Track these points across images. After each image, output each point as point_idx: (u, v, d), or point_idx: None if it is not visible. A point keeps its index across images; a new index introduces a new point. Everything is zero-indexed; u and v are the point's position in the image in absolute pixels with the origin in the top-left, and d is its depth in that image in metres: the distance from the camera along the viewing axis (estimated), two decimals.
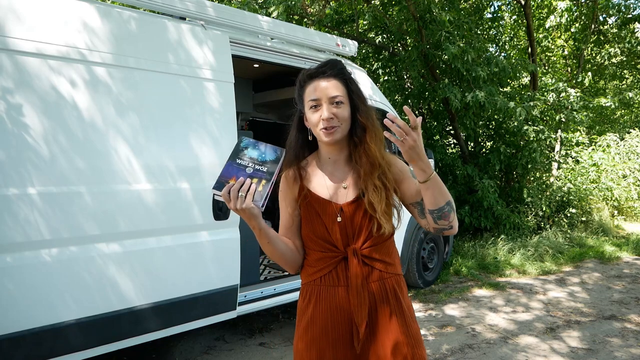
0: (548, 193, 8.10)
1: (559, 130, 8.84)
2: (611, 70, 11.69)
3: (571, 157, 10.19)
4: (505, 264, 6.15)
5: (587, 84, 10.28)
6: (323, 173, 1.46)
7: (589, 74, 10.10)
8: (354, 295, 1.36)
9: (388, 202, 1.41)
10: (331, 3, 8.26)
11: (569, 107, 7.53)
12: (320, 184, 1.44)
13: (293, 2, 6.49)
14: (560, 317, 4.25)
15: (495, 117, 7.94)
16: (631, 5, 9.13)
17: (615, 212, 9.84)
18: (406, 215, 5.46)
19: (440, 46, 6.59)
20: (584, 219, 8.34)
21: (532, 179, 8.49)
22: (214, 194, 1.26)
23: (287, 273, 4.04)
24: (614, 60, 10.67)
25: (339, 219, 1.40)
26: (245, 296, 3.44)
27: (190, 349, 3.59)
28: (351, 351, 1.38)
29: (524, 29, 9.96)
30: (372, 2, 7.40)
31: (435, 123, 8.62)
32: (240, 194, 1.21)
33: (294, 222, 1.47)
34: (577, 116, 7.59)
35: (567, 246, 7.07)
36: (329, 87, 1.37)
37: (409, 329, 1.41)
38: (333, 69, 1.41)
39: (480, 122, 8.12)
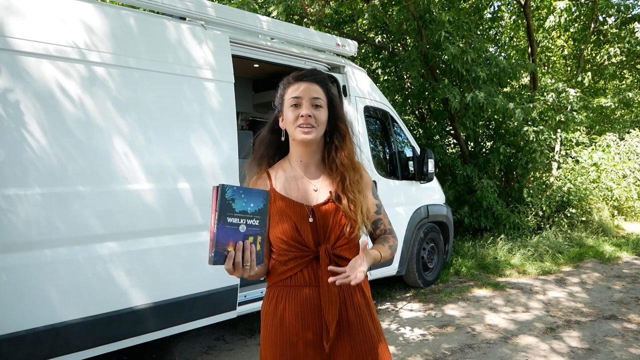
0: (548, 193, 8.10)
1: (559, 130, 8.84)
2: (611, 70, 11.68)
3: (571, 157, 10.19)
4: (505, 264, 6.15)
5: (586, 84, 10.27)
6: (294, 176, 1.47)
7: (589, 74, 10.10)
8: (324, 294, 1.37)
9: (365, 206, 1.46)
10: (331, 3, 8.25)
11: (569, 107, 7.53)
12: (291, 186, 1.46)
13: (293, 2, 6.49)
14: (560, 317, 4.25)
15: (495, 117, 7.94)
16: (630, 5, 9.13)
17: (615, 212, 9.84)
18: (406, 214, 5.38)
19: (440, 46, 6.59)
20: (583, 219, 8.34)
21: (532, 178, 8.49)
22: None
23: None
24: (613, 60, 10.66)
25: (310, 219, 1.41)
26: (245, 296, 3.44)
27: (190, 349, 3.59)
28: (321, 351, 1.38)
29: (523, 29, 9.96)
30: (371, 1, 7.39)
31: (435, 123, 8.62)
32: (245, 265, 1.19)
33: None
34: (577, 116, 7.59)
35: (567, 246, 7.07)
36: (312, 89, 1.43)
37: (378, 329, 1.48)
38: (317, 75, 1.48)
39: (480, 122, 8.12)
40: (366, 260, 1.31)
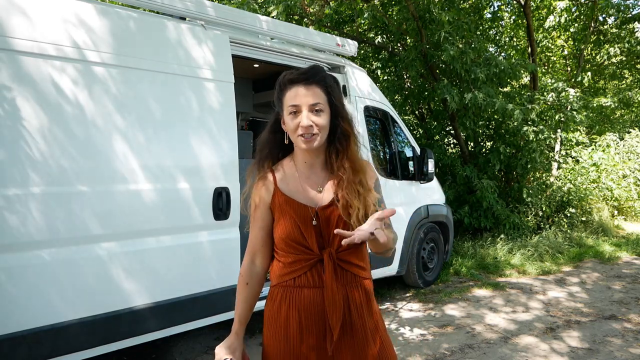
0: (548, 193, 8.09)
1: (559, 130, 8.85)
2: (611, 70, 11.68)
3: (571, 157, 10.19)
4: (505, 264, 6.15)
5: (586, 84, 10.27)
6: (298, 177, 1.44)
7: (589, 73, 10.09)
8: (328, 298, 1.35)
9: (367, 208, 1.39)
10: (331, 3, 8.25)
11: (569, 107, 7.52)
12: (296, 187, 1.42)
13: (292, 2, 6.49)
14: (560, 317, 4.25)
15: (495, 117, 7.94)
16: (630, 5, 9.14)
17: (615, 212, 9.84)
18: (406, 214, 5.38)
19: (440, 46, 6.59)
20: (583, 219, 8.34)
21: (532, 178, 8.49)
22: None
23: None
24: (613, 60, 10.65)
25: (314, 222, 1.38)
26: None
27: (190, 349, 3.59)
28: (324, 353, 1.36)
29: (523, 29, 9.95)
30: (372, 1, 7.40)
31: (435, 123, 8.62)
32: None
33: (264, 238, 1.45)
34: (577, 116, 7.59)
35: (566, 246, 7.08)
36: (310, 94, 1.35)
37: (383, 333, 1.45)
38: (315, 76, 1.38)
39: (480, 122, 8.12)
40: (374, 225, 1.20)
